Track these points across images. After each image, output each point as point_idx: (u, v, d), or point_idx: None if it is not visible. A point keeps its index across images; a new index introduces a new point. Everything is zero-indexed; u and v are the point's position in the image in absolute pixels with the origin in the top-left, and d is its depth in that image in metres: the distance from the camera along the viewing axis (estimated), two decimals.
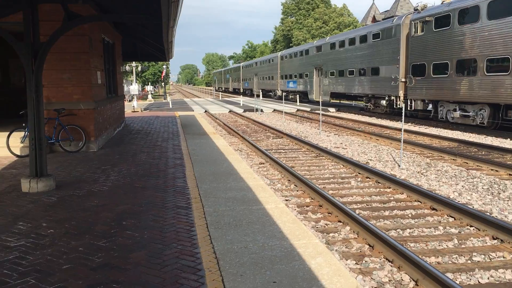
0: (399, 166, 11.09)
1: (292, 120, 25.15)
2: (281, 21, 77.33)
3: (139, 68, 39.28)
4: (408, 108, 21.74)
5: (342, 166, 10.98)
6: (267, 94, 52.26)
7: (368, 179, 9.47)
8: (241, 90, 68.03)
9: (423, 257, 5.29)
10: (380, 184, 8.99)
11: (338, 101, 36.42)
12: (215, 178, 8.41)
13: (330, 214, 6.98)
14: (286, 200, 7.88)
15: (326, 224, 6.58)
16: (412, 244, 5.76)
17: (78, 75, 11.64)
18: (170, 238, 5.21)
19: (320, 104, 19.65)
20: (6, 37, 7.26)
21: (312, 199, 7.89)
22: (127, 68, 37.52)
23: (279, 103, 40.11)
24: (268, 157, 11.70)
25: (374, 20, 64.38)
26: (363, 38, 26.35)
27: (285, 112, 27.28)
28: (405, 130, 17.21)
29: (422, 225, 6.49)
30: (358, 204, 7.67)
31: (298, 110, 31.69)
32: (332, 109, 32.29)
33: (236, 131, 17.81)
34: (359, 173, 10.01)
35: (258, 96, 35.85)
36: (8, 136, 10.71)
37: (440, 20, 18.90)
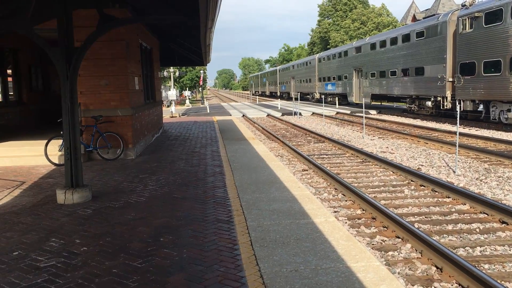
0: (454, 172, 10.24)
1: (333, 123, 24.38)
2: (317, 23, 76.38)
3: (177, 74, 39.39)
4: (457, 109, 20.53)
5: (391, 172, 10.23)
6: (305, 97, 51.50)
7: (422, 187, 8.70)
8: (278, 94, 67.48)
9: (503, 282, 4.57)
10: (437, 193, 8.22)
11: (379, 103, 35.34)
12: (257, 188, 7.89)
13: (386, 229, 6.32)
14: (335, 212, 7.26)
15: (383, 241, 5.92)
16: (486, 266, 5.03)
17: (115, 81, 11.40)
18: (212, 258, 4.70)
19: (363, 107, 18.82)
20: (39, 42, 6.99)
21: (363, 210, 7.23)
22: (165, 73, 37.69)
23: (318, 106, 39.34)
24: (311, 163, 11.09)
25: (414, 19, 62.57)
26: (406, 37, 25.30)
27: (324, 115, 26.53)
28: (460, 134, 16.17)
29: (494, 242, 5.73)
30: (415, 216, 6.95)
31: (337, 113, 30.85)
32: (373, 112, 31.26)
33: (275, 136, 17.27)
34: (411, 181, 9.25)
35: (296, 99, 35.18)
36: (46, 144, 10.56)
37: (491, 15, 17.76)
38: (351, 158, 12.53)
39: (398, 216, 6.29)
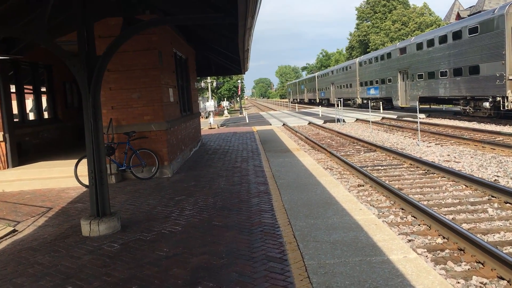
0: None
1: (380, 129, 22.84)
2: (356, 27, 74.48)
3: (214, 84, 38.77)
4: None
5: (464, 186, 8.79)
6: (346, 102, 49.78)
7: (509, 204, 7.27)
8: (317, 101, 65.98)
9: None
10: None
11: (428, 106, 33.41)
12: (310, 211, 6.70)
13: (481, 265, 4.99)
14: (409, 241, 5.97)
15: (483, 284, 4.60)
16: None
17: (148, 93, 10.53)
18: None
19: (418, 111, 17.28)
20: (56, 51, 6.12)
21: (445, 238, 5.91)
22: (203, 84, 37.12)
23: (360, 111, 37.72)
24: (367, 177, 9.80)
25: (458, 17, 59.78)
26: (457, 34, 23.51)
27: (371, 121, 25.00)
28: None
29: None
30: None
31: (383, 118, 29.19)
32: (422, 115, 29.39)
33: (320, 145, 16.01)
34: (492, 196, 7.81)
35: (338, 105, 33.76)
36: (77, 164, 9.76)
37: None
38: (411, 169, 11.12)
39: (494, 247, 4.96)
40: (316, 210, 6.75)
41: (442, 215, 6.66)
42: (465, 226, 6.35)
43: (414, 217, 6.92)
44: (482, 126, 20.51)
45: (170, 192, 8.91)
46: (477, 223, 6.50)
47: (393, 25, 62.93)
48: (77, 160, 9.87)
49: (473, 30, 21.86)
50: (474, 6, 59.50)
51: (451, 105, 34.47)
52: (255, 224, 6.22)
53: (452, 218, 6.71)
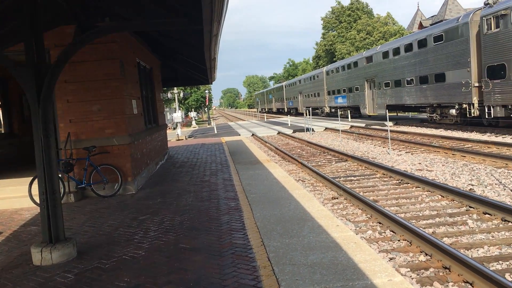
0: None
1: (350, 138, 22.74)
2: (322, 36, 75.25)
3: (181, 95, 38.09)
4: (486, 116, 18.90)
5: (440, 196, 8.56)
6: (314, 111, 49.88)
7: (488, 215, 7.04)
8: (286, 110, 66.07)
9: None
10: (510, 223, 6.55)
11: (395, 114, 33.73)
12: (284, 229, 6.27)
13: (470, 286, 4.65)
14: (391, 260, 5.60)
15: None
16: None
17: (109, 105, 9.92)
18: None
19: (387, 119, 17.18)
20: (3, 62, 5.50)
21: (427, 255, 5.57)
22: (169, 95, 36.38)
23: (328, 120, 37.77)
24: (341, 189, 9.47)
25: (421, 26, 61.19)
26: (422, 43, 23.77)
27: (340, 130, 24.91)
28: (498, 143, 14.50)
29: None
30: (500, 262, 5.28)
31: (352, 126, 29.25)
32: (389, 123, 29.51)
33: (291, 156, 15.66)
34: (470, 207, 7.58)
35: (308, 114, 33.69)
36: (31, 183, 9.05)
37: None
38: (384, 179, 10.88)
39: (481, 265, 4.64)
40: (291, 227, 6.33)
41: (421, 229, 6.35)
42: (446, 240, 6.04)
43: (393, 232, 6.58)
44: (449, 133, 20.67)
45: (133, 210, 8.32)
46: (459, 237, 6.21)
47: (358, 34, 63.85)
48: (31, 178, 9.15)
49: (438, 38, 22.12)
50: (435, 15, 61.16)
51: (416, 113, 34.95)
52: (226, 246, 5.73)
53: (433, 232, 6.41)
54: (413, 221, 7.09)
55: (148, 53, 14.39)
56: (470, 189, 9.02)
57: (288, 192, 8.84)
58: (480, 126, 20.42)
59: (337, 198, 9.16)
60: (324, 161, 14.80)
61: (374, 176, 11.43)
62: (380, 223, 7.11)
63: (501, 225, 6.56)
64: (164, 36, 11.55)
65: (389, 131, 16.51)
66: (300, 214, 7.03)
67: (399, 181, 10.38)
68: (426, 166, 12.36)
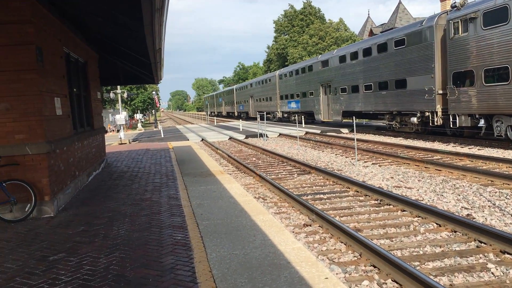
0: None
1: (307, 145, 21.23)
2: (274, 40, 74.15)
3: (125, 95, 35.35)
4: (451, 125, 17.96)
5: (436, 225, 7.02)
6: (265, 116, 48.43)
7: (509, 256, 5.51)
8: (236, 114, 64.36)
9: None
10: None
11: (350, 121, 32.73)
12: (252, 283, 4.44)
13: None
14: None
15: None
16: None
17: (21, 104, 7.71)
18: None
19: (354, 127, 15.63)
20: None
21: None
22: (112, 95, 33.62)
23: (282, 125, 36.35)
24: (313, 212, 7.75)
25: (371, 33, 61.50)
26: (382, 47, 22.73)
27: (298, 137, 23.40)
28: (470, 155, 13.35)
29: None
30: None
31: (306, 133, 27.87)
32: (344, 130, 28.53)
33: (247, 166, 13.84)
34: (480, 242, 6.04)
35: (262, 119, 32.11)
36: None
37: (491, 15, 15.28)
38: (360, 198, 9.28)
39: None
40: (262, 279, 4.52)
41: (433, 278, 4.71)
42: None
43: (397, 283, 4.90)
44: (411, 142, 19.63)
45: (45, 245, 6.19)
46: None
47: (310, 39, 63.16)
48: None
49: (399, 43, 21.10)
50: (385, 23, 61.68)
51: (367, 119, 34.22)
52: None
53: (450, 285, 4.77)
54: (416, 263, 5.47)
55: (81, 43, 12.15)
56: (468, 214, 7.56)
57: (250, 218, 7.02)
58: (442, 136, 19.52)
59: (310, 225, 7.42)
60: (284, 173, 13.09)
61: (346, 193, 9.83)
62: (374, 266, 5.42)
63: None
64: (88, 14, 9.34)
65: (355, 140, 15.03)
66: (271, 256, 5.23)
67: (378, 201, 8.81)
68: (401, 181, 10.93)
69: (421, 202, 8.25)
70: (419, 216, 7.49)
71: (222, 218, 7.12)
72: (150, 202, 8.62)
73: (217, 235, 6.18)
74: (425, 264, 5.46)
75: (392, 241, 6.43)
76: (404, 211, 7.95)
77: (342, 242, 6.40)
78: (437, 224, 7.01)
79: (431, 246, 6.08)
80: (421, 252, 5.90)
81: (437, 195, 9.21)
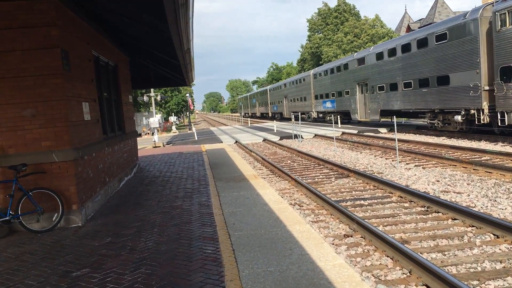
0: None
1: (344, 147, 20.49)
2: (308, 39, 73.20)
3: (159, 98, 35.46)
4: (498, 123, 16.86)
5: (493, 236, 6.29)
6: (300, 116, 47.68)
7: None
8: (270, 115, 63.83)
9: None
10: None
11: (389, 120, 31.67)
12: None
13: None
14: None
15: None
16: None
17: (47, 110, 7.46)
18: None
19: (395, 126, 14.84)
20: None
21: None
22: (145, 98, 33.76)
23: (317, 126, 35.59)
24: (354, 221, 7.15)
25: (409, 29, 59.79)
26: (422, 42, 21.71)
27: (335, 138, 22.68)
28: None
29: None
30: None
31: (343, 133, 27.05)
32: (383, 130, 27.54)
33: (281, 170, 13.30)
34: None
35: (296, 119, 31.45)
36: None
37: None
38: (404, 204, 8.59)
39: None
40: None
41: None
42: None
43: None
44: (455, 142, 18.60)
45: (69, 258, 5.87)
46: None
47: (345, 37, 61.96)
48: None
49: (441, 37, 20.06)
50: (424, 18, 59.79)
51: (406, 118, 32.95)
52: None
53: None
54: (475, 282, 4.81)
55: (111, 46, 11.95)
56: None
57: (286, 229, 6.50)
58: (489, 135, 18.38)
59: (351, 236, 6.83)
60: (321, 177, 12.48)
61: (389, 199, 9.15)
62: (428, 286, 4.79)
63: None
64: (113, 14, 9.00)
65: (396, 140, 14.25)
66: (309, 274, 4.69)
67: (425, 208, 8.11)
68: (449, 185, 10.14)
69: (474, 209, 7.52)
70: (473, 226, 6.77)
71: (255, 228, 6.63)
72: (180, 210, 8.23)
73: (250, 248, 5.70)
74: (486, 283, 4.79)
75: (444, 255, 5.76)
76: (455, 219, 7.23)
77: (388, 256, 5.79)
78: (494, 235, 6.28)
79: (490, 262, 5.38)
80: (479, 269, 5.23)
81: (491, 200, 8.42)
